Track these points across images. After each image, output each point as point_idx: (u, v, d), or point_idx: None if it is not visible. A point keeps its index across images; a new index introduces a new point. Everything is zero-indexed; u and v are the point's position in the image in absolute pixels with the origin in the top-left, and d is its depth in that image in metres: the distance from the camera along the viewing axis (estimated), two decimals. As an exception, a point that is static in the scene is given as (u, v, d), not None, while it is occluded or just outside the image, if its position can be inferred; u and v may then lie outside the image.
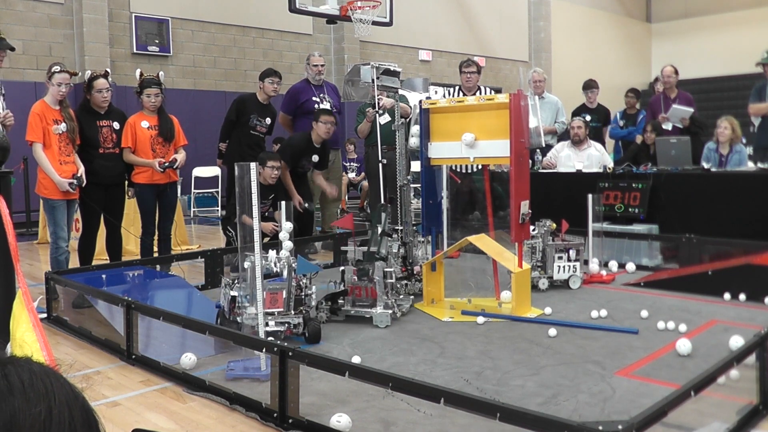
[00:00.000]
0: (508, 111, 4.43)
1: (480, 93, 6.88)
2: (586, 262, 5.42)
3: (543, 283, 5.11)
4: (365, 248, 4.56)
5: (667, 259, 5.99)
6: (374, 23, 9.60)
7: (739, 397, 2.88)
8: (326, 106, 7.25)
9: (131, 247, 6.72)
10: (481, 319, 4.31)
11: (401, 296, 4.65)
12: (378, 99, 5.84)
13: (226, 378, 3.33)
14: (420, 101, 5.02)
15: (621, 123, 9.11)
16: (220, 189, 11.02)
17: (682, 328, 3.95)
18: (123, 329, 3.85)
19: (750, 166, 6.70)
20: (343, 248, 4.61)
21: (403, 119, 5.31)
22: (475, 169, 6.57)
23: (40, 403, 0.80)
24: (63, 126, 5.10)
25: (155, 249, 5.85)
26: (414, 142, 6.12)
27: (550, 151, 7.46)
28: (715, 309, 4.51)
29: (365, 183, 9.89)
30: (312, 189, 7.09)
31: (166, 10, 11.41)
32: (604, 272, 5.49)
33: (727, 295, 4.70)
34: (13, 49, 4.96)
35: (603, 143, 8.07)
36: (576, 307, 4.64)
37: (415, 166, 6.55)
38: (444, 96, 8.04)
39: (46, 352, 1.76)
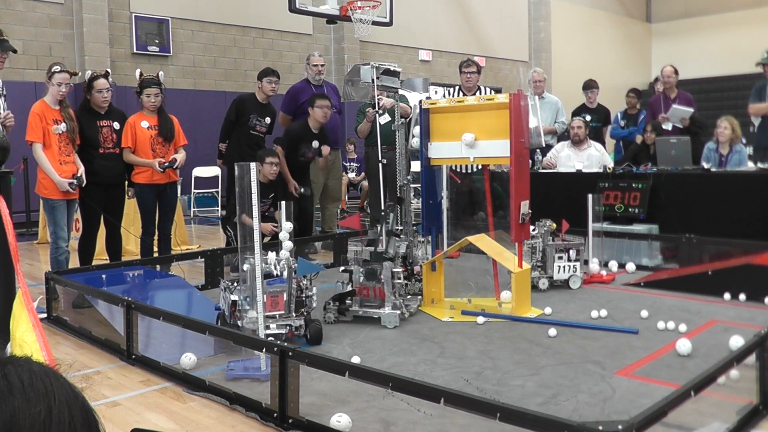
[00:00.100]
0: (508, 111, 4.43)
1: (480, 93, 6.88)
2: (586, 262, 5.42)
3: (543, 283, 5.11)
4: (372, 248, 4.54)
5: (667, 259, 5.99)
6: (374, 23, 9.61)
7: (739, 397, 2.88)
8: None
9: (131, 247, 6.72)
10: (481, 319, 4.31)
11: (408, 296, 4.64)
12: (378, 99, 5.84)
13: (226, 378, 3.33)
14: (420, 101, 5.02)
15: (622, 123, 9.11)
16: (220, 189, 11.02)
17: (682, 328, 3.95)
18: (123, 329, 3.85)
19: (750, 166, 6.70)
20: (351, 248, 4.58)
21: (403, 119, 5.30)
22: (475, 169, 6.57)
23: (40, 403, 0.80)
24: (63, 126, 5.09)
25: (155, 249, 5.85)
26: (416, 142, 6.11)
27: (550, 151, 7.46)
28: (715, 309, 4.51)
29: (365, 183, 9.89)
30: (313, 189, 7.08)
31: (166, 10, 11.41)
32: (604, 272, 5.49)
33: (727, 295, 4.70)
34: (15, 51, 4.96)
35: (603, 143, 8.07)
36: (576, 307, 4.64)
37: (415, 166, 6.55)
38: (444, 96, 8.04)
39: (46, 352, 1.76)
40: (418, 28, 14.95)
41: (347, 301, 4.38)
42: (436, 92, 12.03)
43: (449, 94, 7.26)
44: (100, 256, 5.75)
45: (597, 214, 5.61)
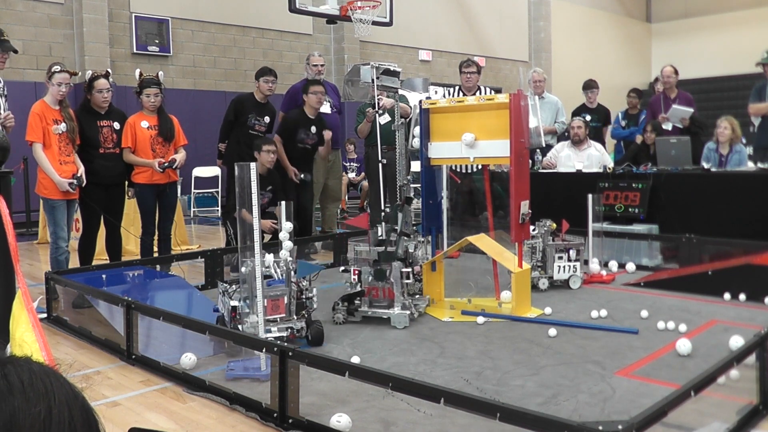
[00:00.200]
0: (508, 111, 4.43)
1: (480, 93, 6.88)
2: (586, 262, 5.42)
3: (543, 283, 5.11)
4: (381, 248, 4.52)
5: (667, 259, 5.99)
6: (374, 23, 9.60)
7: (739, 397, 2.88)
8: (326, 105, 7.25)
9: (131, 247, 6.72)
10: (481, 319, 4.31)
11: (417, 296, 4.63)
12: (378, 99, 5.84)
13: (226, 378, 3.33)
14: (420, 101, 5.01)
15: (623, 123, 9.11)
16: (220, 189, 11.02)
17: (682, 328, 3.95)
18: (123, 329, 3.85)
19: (750, 166, 6.70)
20: (357, 248, 4.57)
21: (403, 119, 5.31)
22: (475, 169, 6.57)
23: (40, 403, 0.80)
24: (63, 126, 5.10)
25: (155, 249, 5.85)
26: (416, 142, 6.12)
27: (550, 151, 7.46)
28: (715, 309, 4.51)
29: (365, 183, 9.89)
30: (313, 185, 7.07)
31: (166, 10, 11.40)
32: (604, 272, 5.49)
33: (727, 295, 4.70)
34: (15, 51, 4.96)
35: (603, 143, 8.07)
36: (576, 307, 4.64)
37: (415, 166, 6.54)
38: (444, 96, 8.04)
39: (46, 352, 1.76)
40: (418, 28, 14.95)
41: (356, 302, 4.36)
42: (436, 92, 12.04)
43: (449, 94, 7.26)
44: (100, 256, 5.75)
45: (597, 214, 5.61)
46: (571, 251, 5.16)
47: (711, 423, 2.72)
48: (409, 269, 4.37)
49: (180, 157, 5.63)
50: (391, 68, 5.30)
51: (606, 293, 5.04)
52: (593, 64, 17.54)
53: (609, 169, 6.81)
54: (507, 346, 3.82)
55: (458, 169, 6.76)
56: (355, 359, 3.38)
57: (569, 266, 5.16)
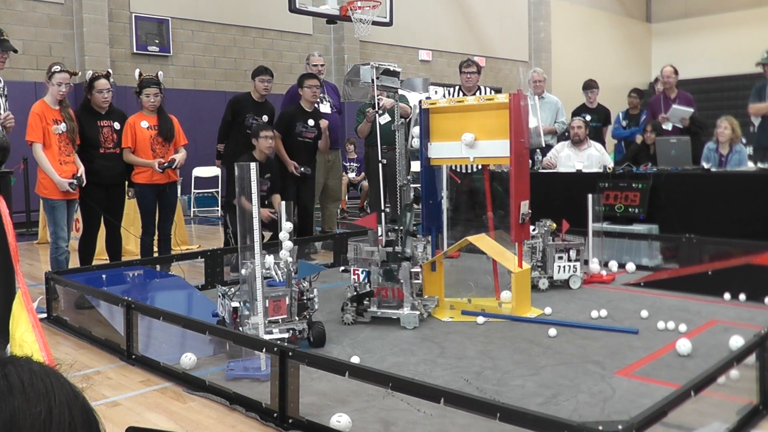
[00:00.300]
0: (508, 111, 4.43)
1: (480, 93, 6.88)
2: (586, 262, 5.42)
3: (543, 283, 5.11)
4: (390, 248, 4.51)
5: (667, 259, 5.99)
6: (374, 23, 9.60)
7: (739, 397, 2.88)
8: (326, 105, 7.25)
9: (131, 247, 6.72)
10: (481, 319, 4.31)
11: (426, 296, 4.62)
12: (378, 99, 5.85)
13: (226, 378, 3.33)
14: (420, 101, 5.01)
15: (624, 123, 9.11)
16: (220, 189, 11.02)
17: (682, 328, 3.95)
18: (123, 329, 3.85)
19: (750, 166, 6.70)
20: (364, 248, 4.55)
21: (402, 119, 5.31)
22: (475, 169, 6.57)
23: (40, 403, 0.80)
24: (63, 126, 5.10)
25: (155, 249, 5.85)
26: (416, 142, 6.12)
27: (550, 151, 7.46)
28: (715, 309, 4.51)
29: (365, 183, 9.89)
30: (315, 186, 7.07)
31: (166, 10, 11.41)
32: (604, 272, 5.49)
33: (727, 295, 4.70)
34: (15, 50, 4.96)
35: (603, 143, 8.07)
36: (576, 307, 4.64)
37: (415, 166, 6.54)
38: (444, 96, 8.04)
39: (46, 352, 1.76)
40: (418, 28, 14.95)
41: (365, 302, 4.35)
42: (436, 92, 12.04)
43: (449, 94, 7.26)
44: (100, 256, 5.75)
45: (597, 214, 5.61)
46: (571, 251, 5.16)
47: (711, 423, 2.72)
48: (419, 269, 4.35)
49: (180, 156, 5.63)
50: (391, 68, 5.30)
51: (606, 293, 5.04)
52: (593, 64, 17.54)
53: (609, 169, 6.81)
54: (507, 346, 3.82)
55: (458, 169, 6.76)
56: (355, 359, 3.38)
57: (569, 266, 5.16)
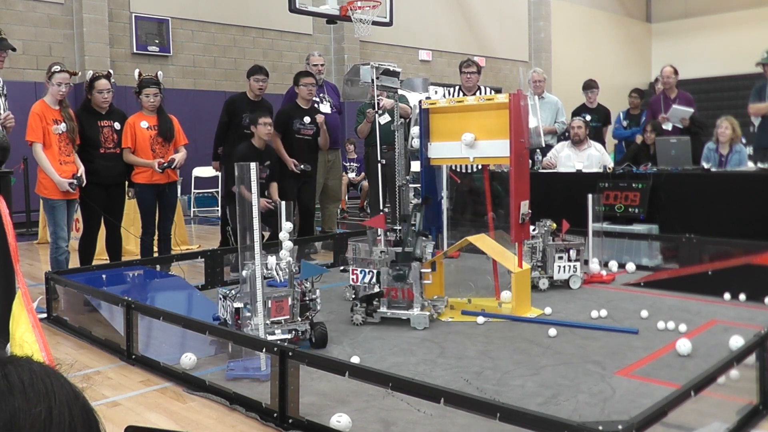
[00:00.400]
0: (508, 111, 4.43)
1: (480, 93, 6.88)
2: (586, 262, 5.42)
3: (543, 283, 5.11)
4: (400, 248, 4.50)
5: (667, 259, 5.99)
6: (374, 23, 9.60)
7: (739, 397, 2.88)
8: (326, 105, 7.25)
9: (131, 247, 6.72)
10: (481, 319, 4.31)
11: (435, 297, 4.60)
12: (378, 100, 5.85)
13: (226, 378, 3.33)
14: (420, 101, 5.02)
15: (624, 123, 9.11)
16: (220, 189, 10.99)
17: (682, 328, 3.95)
18: (123, 329, 3.85)
19: (750, 166, 6.70)
20: (374, 249, 4.54)
21: (402, 119, 5.31)
22: (475, 169, 6.57)
23: (41, 403, 0.80)
24: (63, 126, 5.10)
25: (155, 249, 5.85)
26: (416, 143, 6.13)
27: (550, 151, 7.46)
28: (715, 309, 4.51)
29: (365, 183, 9.89)
30: (315, 186, 7.06)
31: (166, 10, 11.41)
32: (604, 272, 5.49)
33: (727, 295, 4.70)
34: (14, 49, 4.96)
35: (603, 143, 8.07)
36: (576, 307, 4.64)
37: (415, 166, 6.54)
38: (444, 96, 8.04)
39: (46, 352, 1.76)
40: (418, 28, 14.95)
41: (375, 303, 4.34)
42: (436, 92, 12.04)
43: (449, 94, 7.26)
44: (100, 256, 5.75)
45: (597, 214, 5.61)
46: (571, 251, 5.16)
47: (711, 423, 2.72)
48: (429, 270, 4.33)
49: (179, 156, 5.63)
50: (391, 68, 5.30)
51: (606, 293, 5.04)
52: (593, 64, 17.54)
53: (609, 169, 6.81)
54: (507, 346, 3.82)
55: (458, 169, 6.76)
56: (355, 359, 3.38)
57: (569, 266, 5.16)
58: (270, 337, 3.50)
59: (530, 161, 5.93)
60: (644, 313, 4.30)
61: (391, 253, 4.39)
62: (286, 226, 3.86)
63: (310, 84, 6.69)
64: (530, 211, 4.58)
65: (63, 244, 5.13)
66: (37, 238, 8.45)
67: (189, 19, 11.67)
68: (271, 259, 3.82)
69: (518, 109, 4.43)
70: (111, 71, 5.70)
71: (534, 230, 5.18)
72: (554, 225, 5.28)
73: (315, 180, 6.99)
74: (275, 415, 2.87)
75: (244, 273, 3.57)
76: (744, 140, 7.50)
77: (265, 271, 3.57)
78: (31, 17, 10.12)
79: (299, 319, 3.79)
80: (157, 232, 5.75)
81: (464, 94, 6.81)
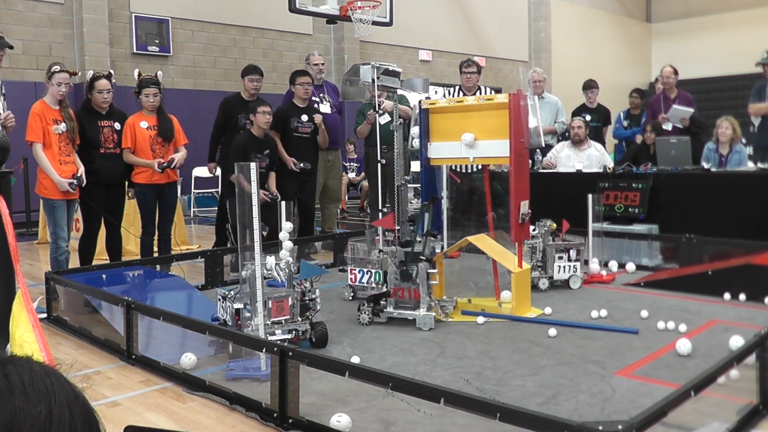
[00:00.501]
0: (508, 111, 4.43)
1: (480, 93, 6.88)
2: (586, 262, 5.42)
3: (543, 283, 5.11)
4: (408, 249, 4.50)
5: (667, 259, 5.99)
6: (374, 23, 9.59)
7: (739, 397, 2.88)
8: (326, 105, 7.25)
9: (131, 247, 6.72)
10: (481, 319, 4.31)
11: (445, 297, 4.59)
12: (379, 102, 5.86)
13: (226, 378, 3.33)
14: (419, 101, 5.02)
15: (625, 123, 9.11)
16: (220, 188, 11.00)
17: (682, 328, 3.95)
18: (123, 329, 3.85)
19: (750, 166, 6.70)
20: (382, 249, 4.53)
21: (401, 119, 5.30)
22: (475, 169, 6.57)
23: (41, 403, 0.80)
24: (63, 126, 5.10)
25: (155, 249, 5.85)
26: (417, 143, 6.14)
27: (550, 151, 7.46)
28: (715, 309, 4.51)
29: (365, 183, 9.89)
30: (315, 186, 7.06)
31: (166, 10, 11.40)
32: (604, 272, 5.49)
33: (727, 295, 4.70)
34: (11, 47, 4.96)
35: (603, 143, 8.07)
36: (576, 307, 4.64)
37: (416, 166, 6.54)
38: (444, 96, 8.04)
39: (46, 352, 1.76)
40: (418, 28, 14.95)
41: (382, 302, 4.33)
42: (436, 92, 12.04)
43: (449, 94, 7.26)
44: (100, 256, 5.75)
45: (597, 214, 5.61)
46: (571, 251, 5.16)
47: (711, 423, 2.72)
48: (435, 270, 4.33)
49: (179, 156, 5.62)
50: (390, 68, 5.31)
51: (606, 293, 5.04)
52: (593, 64, 17.54)
53: (609, 169, 6.81)
54: (507, 346, 3.82)
55: (458, 169, 6.76)
56: (355, 359, 3.38)
57: (569, 266, 5.16)
58: (270, 337, 3.50)
59: (530, 161, 5.93)
60: (644, 313, 4.30)
61: (400, 253, 4.38)
62: (286, 226, 3.86)
63: (306, 83, 6.69)
64: (530, 211, 4.58)
65: (63, 244, 5.13)
66: (37, 238, 8.45)
67: (189, 19, 11.67)
68: (271, 259, 3.82)
69: (518, 109, 4.43)
70: (112, 71, 5.70)
71: (534, 230, 5.18)
72: (554, 225, 5.28)
73: (315, 180, 6.99)
74: (275, 415, 2.87)
75: (243, 273, 3.57)
76: (744, 140, 7.50)
77: (264, 271, 3.57)
78: (31, 17, 10.12)
79: (299, 319, 3.79)
80: (157, 232, 5.75)
81: (464, 94, 6.81)
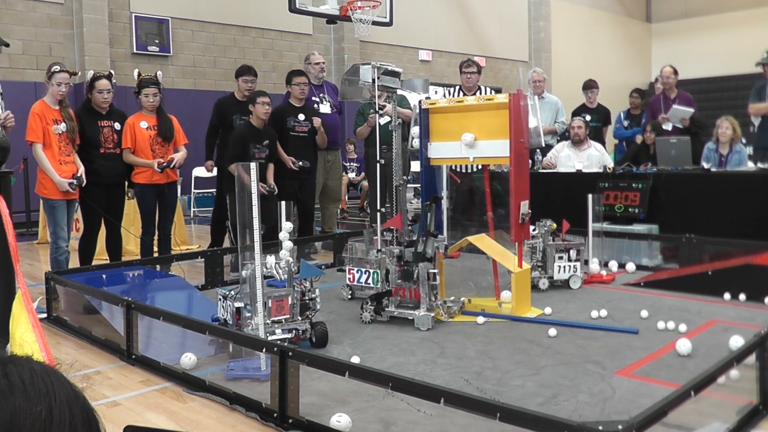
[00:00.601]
0: (508, 111, 4.43)
1: (480, 93, 6.88)
2: (586, 262, 5.42)
3: (543, 283, 5.11)
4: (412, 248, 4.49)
5: (667, 259, 5.99)
6: (374, 23, 9.59)
7: (739, 397, 2.88)
8: (326, 105, 7.25)
9: (131, 247, 6.72)
10: (481, 319, 4.31)
11: (451, 298, 4.58)
12: (378, 102, 5.85)
13: (226, 378, 3.33)
14: (420, 101, 5.02)
15: (625, 123, 9.11)
16: (216, 188, 11.00)
17: (682, 328, 3.95)
18: (123, 329, 3.85)
19: (750, 166, 6.71)
20: (390, 249, 4.53)
21: (400, 119, 5.30)
22: (475, 169, 6.57)
23: (41, 403, 0.80)
24: (63, 126, 5.10)
25: (155, 249, 5.85)
26: (417, 143, 6.14)
27: (550, 151, 7.46)
28: (715, 309, 4.51)
29: (365, 183, 9.89)
30: (314, 176, 7.05)
31: (166, 10, 11.40)
32: (604, 272, 5.49)
33: (727, 295, 4.70)
34: (7, 44, 4.95)
35: (603, 143, 8.07)
36: (576, 307, 4.64)
37: (416, 166, 6.53)
38: (444, 96, 8.04)
39: (46, 352, 1.76)
40: (418, 28, 14.95)
41: (384, 302, 4.34)
42: (436, 92, 12.03)
43: (449, 94, 7.26)
44: (100, 256, 5.75)
45: (597, 214, 5.61)
46: (571, 251, 5.16)
47: (711, 423, 2.72)
48: (437, 270, 4.33)
49: (179, 156, 5.62)
50: (389, 68, 5.30)
51: (606, 293, 5.04)
52: (593, 64, 17.54)
53: (609, 169, 6.81)
54: (507, 346, 3.82)
55: (458, 169, 6.76)
56: (355, 359, 3.38)
57: (569, 266, 5.16)
58: (270, 337, 3.50)
59: (530, 161, 5.92)
60: (644, 313, 4.30)
61: (404, 253, 4.38)
62: (286, 226, 3.86)
63: (303, 83, 6.69)
64: (530, 211, 4.58)
65: (63, 244, 5.13)
66: (37, 238, 8.45)
67: (189, 19, 11.67)
68: (270, 259, 3.82)
69: (518, 109, 4.44)
70: (112, 71, 5.70)
71: (534, 230, 5.18)
72: (554, 225, 5.28)
73: (314, 179, 6.98)
74: (275, 415, 2.87)
75: (244, 273, 3.57)
76: (744, 140, 7.50)
77: (264, 270, 3.57)
78: (31, 17, 10.12)
79: (299, 318, 3.79)
80: (157, 232, 5.75)
81: (464, 94, 6.81)
